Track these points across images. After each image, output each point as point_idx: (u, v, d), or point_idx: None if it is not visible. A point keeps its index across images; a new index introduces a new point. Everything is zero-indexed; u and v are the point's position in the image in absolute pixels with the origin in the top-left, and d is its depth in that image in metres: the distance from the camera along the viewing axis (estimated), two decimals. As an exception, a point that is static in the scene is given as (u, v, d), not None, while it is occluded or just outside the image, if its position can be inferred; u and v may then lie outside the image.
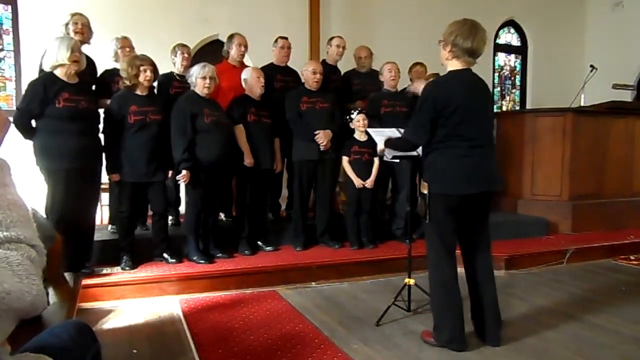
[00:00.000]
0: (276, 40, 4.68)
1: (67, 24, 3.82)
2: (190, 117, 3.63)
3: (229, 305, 3.26)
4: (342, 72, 4.97)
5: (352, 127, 4.28)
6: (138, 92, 3.56)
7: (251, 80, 4.04)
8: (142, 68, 3.50)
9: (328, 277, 3.84)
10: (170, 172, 3.69)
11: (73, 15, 3.85)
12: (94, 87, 3.86)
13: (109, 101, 3.65)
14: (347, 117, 4.32)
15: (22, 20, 5.19)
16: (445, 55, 2.50)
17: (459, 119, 2.40)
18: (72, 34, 3.74)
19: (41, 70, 3.55)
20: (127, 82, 3.52)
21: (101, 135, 3.57)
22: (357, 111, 4.23)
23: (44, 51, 3.76)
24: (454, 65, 2.48)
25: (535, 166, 5.27)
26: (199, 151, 3.66)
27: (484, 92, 2.58)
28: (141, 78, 3.51)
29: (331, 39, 4.92)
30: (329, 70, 4.55)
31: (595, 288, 3.71)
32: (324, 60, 4.89)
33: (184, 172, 3.60)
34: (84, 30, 3.84)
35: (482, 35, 2.44)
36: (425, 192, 2.50)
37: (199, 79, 3.70)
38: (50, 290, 2.15)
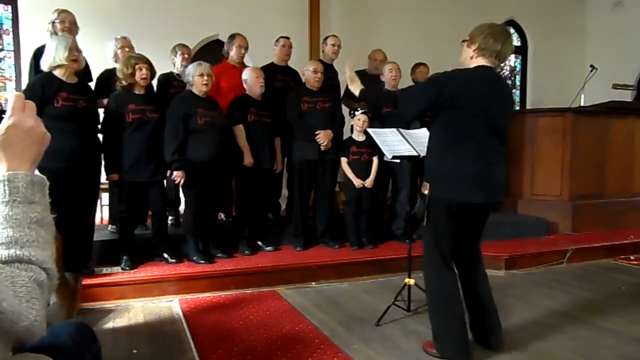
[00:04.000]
0: (278, 40, 4.69)
1: (53, 22, 3.75)
2: (182, 117, 3.62)
3: (229, 305, 3.26)
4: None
5: (352, 124, 4.29)
6: (136, 91, 3.56)
7: (251, 81, 4.04)
8: (137, 67, 3.48)
9: (328, 277, 3.84)
10: (168, 172, 3.68)
11: (59, 13, 3.77)
12: (93, 87, 3.86)
13: (105, 101, 3.65)
14: (352, 112, 4.33)
15: (22, 20, 5.19)
16: (470, 54, 2.35)
17: (471, 117, 2.24)
18: (59, 32, 3.69)
19: (36, 71, 3.54)
20: (124, 82, 3.51)
21: (100, 135, 3.57)
22: (361, 110, 4.23)
23: (33, 52, 3.77)
24: (478, 63, 2.34)
25: (535, 166, 5.28)
26: (192, 151, 3.65)
27: (504, 93, 2.39)
28: (137, 77, 3.50)
29: (326, 38, 4.94)
30: (325, 68, 4.56)
31: (595, 288, 3.70)
32: (320, 60, 4.91)
33: (175, 172, 3.60)
34: (72, 27, 3.79)
35: (511, 41, 2.36)
36: (426, 192, 2.34)
37: (197, 76, 3.69)
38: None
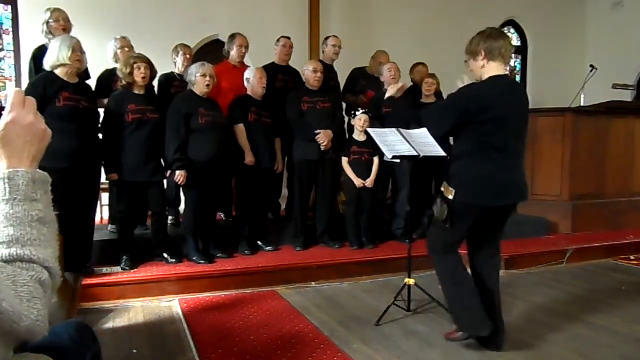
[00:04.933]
0: (279, 40, 4.69)
1: (47, 22, 3.73)
2: (184, 117, 3.62)
3: (229, 305, 3.26)
4: (347, 70, 5.02)
5: (353, 124, 4.29)
6: (136, 91, 3.56)
7: (254, 80, 4.04)
8: (136, 66, 3.48)
9: (328, 277, 3.84)
10: (169, 172, 3.68)
11: (52, 12, 3.75)
12: (93, 87, 3.86)
13: (106, 100, 3.64)
14: (353, 112, 4.33)
15: (22, 20, 5.19)
16: (480, 64, 2.39)
17: (495, 129, 2.31)
18: (55, 33, 3.67)
19: (36, 71, 3.53)
20: (124, 82, 3.51)
21: (100, 135, 3.57)
22: (362, 110, 4.23)
23: (32, 53, 3.76)
24: (492, 70, 2.37)
25: (535, 166, 5.27)
26: (193, 151, 3.65)
27: (522, 99, 2.48)
28: (136, 76, 3.49)
29: (327, 38, 4.94)
30: (325, 69, 4.55)
31: (595, 288, 3.71)
32: (320, 60, 4.90)
33: (178, 172, 3.60)
34: (67, 25, 3.77)
35: (508, 39, 2.43)
36: (451, 197, 2.39)
37: (199, 76, 3.69)
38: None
